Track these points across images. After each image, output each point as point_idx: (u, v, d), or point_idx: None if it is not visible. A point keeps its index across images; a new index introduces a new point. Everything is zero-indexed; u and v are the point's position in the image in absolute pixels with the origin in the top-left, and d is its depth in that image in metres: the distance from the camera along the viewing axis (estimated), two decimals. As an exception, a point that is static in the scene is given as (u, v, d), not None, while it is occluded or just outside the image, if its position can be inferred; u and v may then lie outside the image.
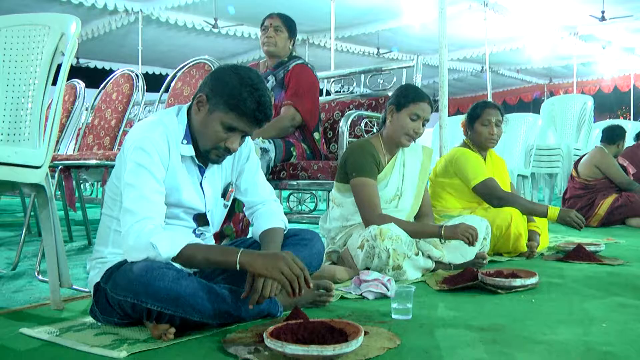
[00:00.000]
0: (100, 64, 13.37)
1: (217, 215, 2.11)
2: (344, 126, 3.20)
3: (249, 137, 2.07)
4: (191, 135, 1.95)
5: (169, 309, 1.71)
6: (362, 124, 3.50)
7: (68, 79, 3.81)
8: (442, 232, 2.62)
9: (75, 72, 3.69)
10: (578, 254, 3.05)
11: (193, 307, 1.74)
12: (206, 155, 1.95)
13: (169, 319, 1.74)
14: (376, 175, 2.77)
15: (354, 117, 3.39)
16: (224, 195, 2.11)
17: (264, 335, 1.60)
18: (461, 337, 1.75)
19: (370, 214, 2.69)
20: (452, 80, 16.74)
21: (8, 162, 2.01)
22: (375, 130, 3.14)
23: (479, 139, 3.40)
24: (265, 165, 3.24)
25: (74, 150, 3.66)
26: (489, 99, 11.47)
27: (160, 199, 1.82)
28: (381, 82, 3.71)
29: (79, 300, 2.32)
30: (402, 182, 2.87)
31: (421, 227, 2.76)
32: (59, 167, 3.00)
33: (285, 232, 2.14)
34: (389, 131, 2.84)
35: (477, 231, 2.60)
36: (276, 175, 3.35)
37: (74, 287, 2.37)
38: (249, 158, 2.15)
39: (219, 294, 1.81)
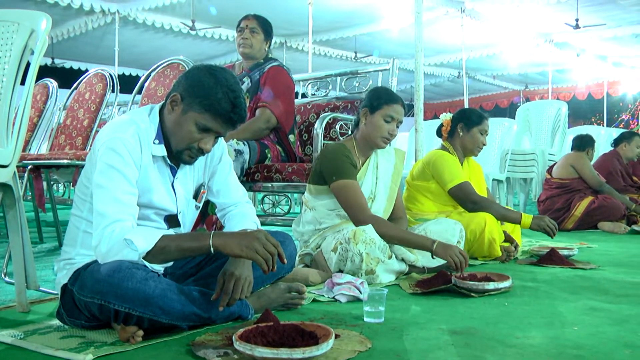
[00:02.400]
0: (76, 65, 13.18)
1: (188, 217, 2.08)
2: (318, 128, 3.18)
3: (222, 138, 2.05)
4: (163, 136, 1.92)
5: (136, 310, 1.67)
6: (337, 127, 3.49)
7: (42, 79, 3.77)
8: (434, 248, 2.57)
9: (50, 72, 3.65)
10: (551, 258, 3.07)
11: (162, 308, 1.71)
12: (179, 155, 1.92)
13: (137, 320, 1.70)
14: (355, 175, 2.76)
15: (329, 119, 3.38)
16: (196, 196, 2.08)
17: (233, 338, 1.57)
18: (433, 341, 1.74)
19: (361, 215, 2.66)
20: (429, 86, 16.84)
21: (-27, 162, 1.96)
22: (350, 133, 3.13)
23: (471, 144, 3.42)
24: (240, 167, 3.21)
25: (47, 150, 3.59)
26: (466, 104, 11.57)
27: (132, 200, 1.79)
28: (357, 85, 3.70)
29: (46, 302, 2.27)
30: (376, 185, 2.87)
31: (411, 236, 2.71)
32: (29, 167, 2.94)
33: (259, 233, 2.11)
34: (364, 133, 2.83)
35: (468, 259, 2.54)
36: (250, 177, 3.32)
37: (41, 289, 2.32)
38: (221, 159, 2.12)
39: (189, 296, 1.79)
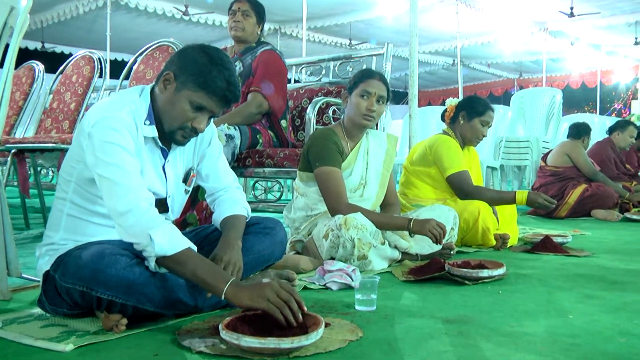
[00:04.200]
0: (67, 49, 13.00)
1: (177, 202, 2.02)
2: (311, 113, 3.13)
3: (212, 122, 2.00)
4: (154, 116, 1.86)
5: (120, 298, 1.62)
6: (330, 112, 3.43)
7: (30, 62, 3.69)
8: (411, 225, 2.56)
9: (40, 56, 3.57)
10: (545, 245, 3.03)
11: (146, 295, 1.65)
12: (171, 136, 1.86)
13: (120, 308, 1.65)
14: (340, 163, 2.71)
15: (322, 104, 3.32)
16: (185, 180, 2.02)
17: (220, 326, 1.52)
18: (426, 329, 1.70)
19: (337, 204, 2.62)
20: (424, 73, 16.78)
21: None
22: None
23: (470, 134, 3.36)
24: (231, 152, 3.15)
25: (33, 134, 3.52)
26: (460, 92, 11.52)
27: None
28: (351, 69, 3.64)
29: (29, 290, 2.21)
30: (367, 170, 2.82)
31: (389, 218, 2.69)
32: (12, 151, 2.87)
33: (248, 220, 2.06)
34: (348, 116, 2.78)
35: (445, 229, 2.54)
36: (241, 162, 3.26)
37: (23, 276, 2.25)
38: (210, 142, 2.06)
39: (175, 283, 1.73)
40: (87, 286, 1.60)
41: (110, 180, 1.66)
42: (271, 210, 3.36)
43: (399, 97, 18.53)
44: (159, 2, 10.22)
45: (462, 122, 3.37)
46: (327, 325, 1.69)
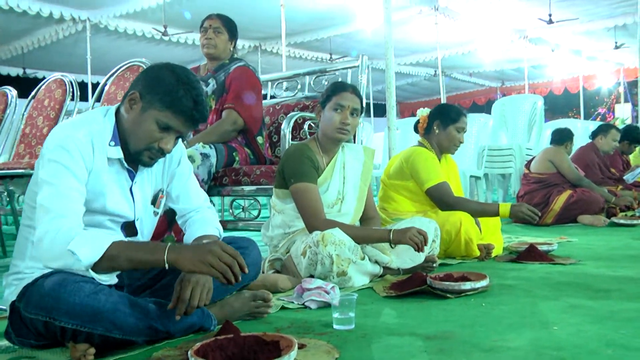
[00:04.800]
0: (48, 74, 12.84)
1: (147, 224, 1.95)
2: (286, 128, 3.08)
3: (181, 142, 1.95)
4: (120, 137, 1.80)
5: (85, 327, 1.55)
6: (306, 126, 3.38)
7: (18, 90, 3.60)
8: (391, 236, 2.51)
9: (22, 82, 3.52)
10: (530, 254, 2.97)
11: (113, 323, 1.59)
12: (137, 157, 1.80)
13: (86, 337, 1.58)
14: (316, 179, 2.66)
15: (297, 119, 3.27)
16: (154, 202, 1.96)
17: (189, 353, 1.46)
18: (405, 347, 1.64)
19: (314, 220, 2.57)
20: (406, 85, 16.84)
21: None
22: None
23: (447, 142, 3.31)
24: (207, 171, 3.09)
25: (8, 160, 3.45)
26: (443, 102, 11.52)
27: (79, 198, 1.66)
28: (326, 83, 3.59)
29: (0, 320, 2.13)
30: (344, 184, 2.76)
31: (368, 231, 2.64)
32: (-18, 178, 2.80)
33: (220, 240, 2.00)
34: (322, 130, 2.74)
35: (427, 235, 2.50)
36: (218, 181, 3.20)
37: (-3, 306, 2.17)
38: (180, 162, 2.01)
39: (144, 308, 1.67)
40: (49, 316, 1.54)
41: (41, 204, 1.61)
42: (252, 228, 3.29)
43: (381, 109, 18.54)
44: (138, 23, 10.17)
45: (437, 131, 3.32)
46: (302, 346, 1.63)
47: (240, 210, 3.46)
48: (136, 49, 11.23)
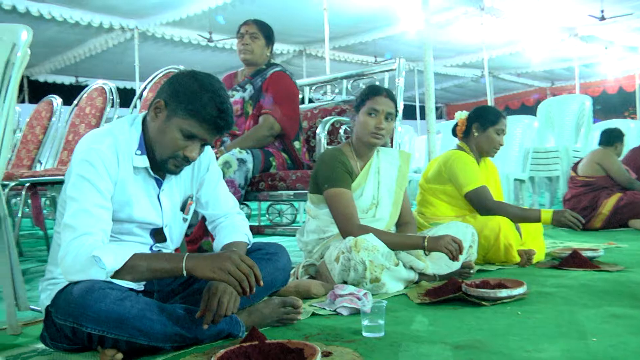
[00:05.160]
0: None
1: (176, 231, 1.97)
2: (321, 133, 3.07)
3: (209, 146, 1.95)
4: (146, 146, 1.82)
5: (111, 333, 1.57)
6: (342, 131, 3.36)
7: (68, 97, 3.71)
8: (425, 243, 2.47)
9: (75, 90, 3.61)
10: (574, 260, 2.88)
11: (139, 329, 1.60)
12: (163, 165, 1.82)
13: (113, 343, 1.60)
14: (349, 184, 2.63)
15: (334, 123, 3.25)
16: (183, 208, 1.98)
17: (212, 359, 1.46)
18: (433, 356, 1.60)
19: (349, 226, 2.54)
20: (453, 87, 16.67)
21: (-49, 182, 1.89)
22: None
23: (487, 145, 3.24)
24: (243, 176, 3.11)
25: (53, 166, 3.54)
26: (491, 104, 11.31)
27: (103, 214, 1.69)
28: (363, 87, 3.57)
29: (39, 323, 2.17)
30: (378, 189, 2.73)
31: (402, 238, 2.59)
32: (26, 185, 2.87)
33: (249, 246, 2.00)
34: (356, 135, 2.72)
35: (462, 244, 2.44)
36: (255, 186, 3.21)
37: (32, 307, 2.22)
38: (209, 169, 2.02)
39: (172, 314, 1.68)
40: (76, 322, 1.56)
41: (66, 222, 1.65)
42: (289, 233, 3.29)
43: (425, 112, 18.38)
44: (184, 30, 10.35)
45: (476, 134, 3.25)
46: (328, 354, 1.62)
47: (277, 215, 3.47)
48: (183, 56, 11.45)
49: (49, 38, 10.16)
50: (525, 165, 5.43)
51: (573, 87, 14.83)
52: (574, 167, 4.97)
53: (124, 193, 1.77)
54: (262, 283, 1.62)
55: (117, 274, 1.59)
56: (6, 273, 2.10)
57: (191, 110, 1.73)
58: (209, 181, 2.02)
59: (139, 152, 1.80)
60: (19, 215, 2.95)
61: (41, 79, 13.00)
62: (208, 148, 1.98)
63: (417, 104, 14.30)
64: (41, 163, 3.65)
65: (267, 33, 3.45)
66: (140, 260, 1.61)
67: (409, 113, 15.12)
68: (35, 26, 9.65)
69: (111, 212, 1.72)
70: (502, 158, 5.51)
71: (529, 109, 17.49)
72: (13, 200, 3.82)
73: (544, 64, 14.70)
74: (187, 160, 1.80)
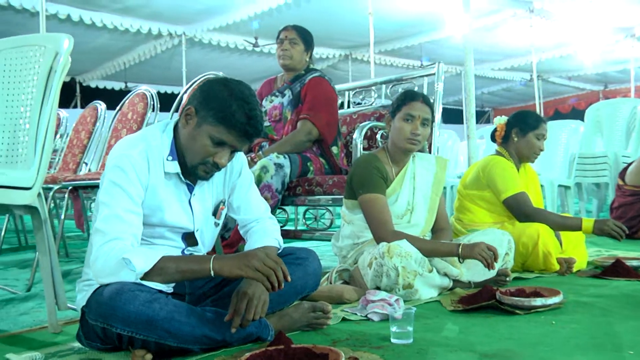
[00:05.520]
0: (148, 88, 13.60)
1: (207, 235, 2.00)
2: (357, 138, 3.07)
3: (241, 152, 1.98)
4: (177, 152, 1.86)
5: (140, 334, 1.61)
6: (378, 136, 3.35)
7: (116, 102, 3.82)
8: (460, 251, 2.43)
9: (124, 96, 3.73)
10: (616, 269, 2.78)
11: (168, 331, 1.63)
12: (193, 170, 1.85)
13: (143, 344, 1.64)
14: (384, 189, 2.62)
15: (371, 128, 3.24)
16: (215, 213, 2.01)
17: (237, 363, 1.48)
18: (459, 365, 1.59)
19: (382, 231, 2.53)
20: (501, 91, 16.43)
21: (-5, 185, 1.97)
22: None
23: (527, 150, 3.19)
24: (280, 181, 3.13)
25: (97, 170, 3.65)
26: (540, 108, 11.09)
27: (134, 219, 1.73)
28: (402, 91, 3.55)
29: (78, 323, 2.25)
30: (414, 195, 2.71)
31: (436, 245, 2.56)
32: (69, 188, 2.97)
33: (280, 251, 2.02)
34: (391, 140, 2.70)
35: (497, 252, 2.40)
36: (292, 191, 3.23)
37: (71, 307, 2.29)
38: (241, 174, 2.04)
39: (201, 317, 1.71)
40: (106, 323, 1.61)
41: (97, 227, 1.70)
42: (326, 238, 3.30)
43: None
44: (230, 36, 10.52)
45: (516, 139, 3.20)
46: (354, 359, 1.62)
47: (313, 220, 3.48)
48: (229, 61, 11.63)
49: (100, 45, 10.47)
50: (571, 171, 5.30)
51: (628, 90, 14.34)
52: (622, 175, 4.77)
53: (155, 198, 1.81)
54: (289, 278, 1.64)
55: (147, 276, 1.63)
56: (47, 274, 2.18)
57: (221, 117, 1.75)
58: (241, 186, 2.04)
59: (170, 157, 1.83)
60: (62, 217, 3.06)
61: (92, 84, 13.41)
62: (240, 153, 2.01)
63: (464, 108, 14.14)
64: (86, 164, 3.77)
65: (306, 38, 3.48)
66: (169, 262, 1.65)
67: (455, 117, 14.97)
68: (87, 34, 10.02)
69: (141, 217, 1.76)
70: (546, 164, 5.38)
71: (580, 113, 17.04)
72: (59, 203, 3.95)
73: (596, 67, 14.31)
74: (217, 167, 1.82)
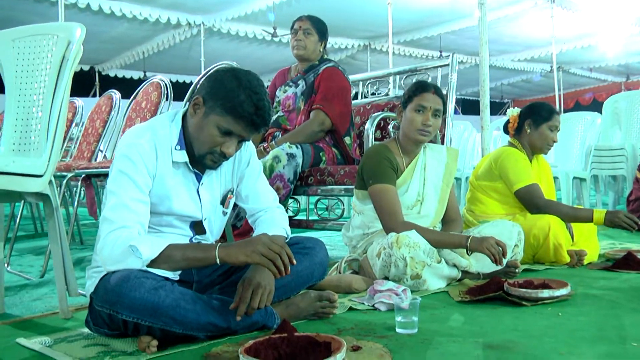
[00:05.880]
0: (166, 77, 13.64)
1: (216, 224, 2.02)
2: (369, 129, 3.06)
3: (249, 141, 1.99)
4: (186, 141, 1.88)
5: (145, 320, 1.63)
6: (390, 127, 3.34)
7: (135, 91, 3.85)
8: (468, 243, 2.42)
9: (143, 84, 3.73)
10: (627, 262, 2.76)
11: (173, 318, 1.65)
12: (201, 160, 1.86)
13: (148, 330, 1.66)
14: (394, 180, 2.62)
15: (382, 119, 3.23)
16: (223, 202, 2.02)
17: (239, 350, 1.49)
18: (461, 355, 1.59)
19: (392, 222, 2.53)
20: (520, 82, 16.28)
21: (7, 172, 2.00)
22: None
23: (540, 142, 3.17)
24: (292, 171, 3.14)
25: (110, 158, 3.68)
26: (560, 99, 10.96)
27: (141, 208, 1.75)
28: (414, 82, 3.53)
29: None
30: (424, 186, 2.70)
31: (445, 236, 2.55)
32: (82, 176, 3.01)
33: (287, 240, 2.03)
34: (402, 131, 2.70)
35: (505, 247, 2.38)
36: (304, 181, 3.24)
37: (81, 292, 2.33)
38: (249, 163, 2.05)
39: (207, 305, 1.73)
40: (112, 309, 1.63)
41: (104, 215, 1.72)
42: (338, 228, 3.31)
43: (493, 107, 18.00)
44: (249, 25, 10.52)
45: (528, 131, 3.17)
46: (357, 348, 1.63)
47: (325, 209, 3.49)
48: (247, 51, 11.64)
49: (119, 34, 10.54)
50: (587, 163, 5.24)
51: (651, 82, 14.17)
52: (639, 167, 4.73)
53: (163, 187, 1.83)
54: (295, 261, 1.65)
55: (153, 263, 1.65)
56: (58, 260, 2.22)
57: (228, 107, 1.76)
58: (249, 176, 2.05)
59: (178, 147, 1.85)
60: (75, 205, 3.10)
61: (112, 73, 13.52)
62: (249, 143, 2.02)
63: (480, 99, 14.02)
64: (102, 151, 3.81)
65: (320, 29, 3.47)
66: (175, 250, 1.67)
67: (475, 108, 14.85)
68: (106, 23, 10.06)
69: (149, 206, 1.78)
70: (562, 156, 5.33)
71: (601, 105, 16.80)
72: (75, 190, 4.00)
73: (618, 58, 14.12)
74: (224, 156, 1.83)
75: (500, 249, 2.34)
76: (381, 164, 2.61)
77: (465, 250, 2.50)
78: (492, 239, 2.36)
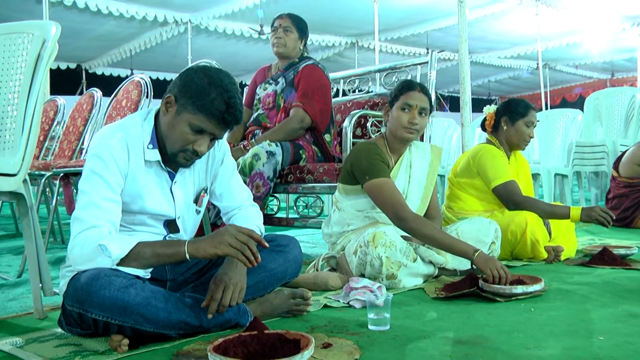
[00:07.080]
0: (154, 75, 13.62)
1: (189, 222, 2.02)
2: (347, 127, 3.07)
3: (223, 139, 1.99)
4: (158, 139, 1.88)
5: (115, 319, 1.63)
6: (369, 124, 3.35)
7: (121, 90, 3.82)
8: (475, 257, 2.30)
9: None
10: (603, 257, 2.79)
11: (144, 316, 1.65)
12: (174, 158, 1.86)
13: (119, 329, 1.66)
14: (389, 173, 2.62)
15: (363, 116, 3.24)
16: (196, 200, 2.03)
17: (207, 348, 1.50)
18: (430, 351, 1.60)
19: (401, 212, 2.46)
20: (507, 79, 16.37)
21: (-22, 171, 1.99)
22: (383, 130, 2.97)
23: (517, 138, 3.18)
24: (272, 169, 3.14)
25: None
26: (547, 96, 11.02)
27: (112, 207, 1.75)
28: (396, 80, 3.55)
29: (61, 309, 2.28)
30: (409, 183, 2.71)
31: (454, 242, 2.42)
32: (60, 175, 3.00)
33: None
34: (389, 130, 2.71)
35: (510, 275, 2.25)
36: (283, 178, 3.25)
37: (56, 292, 2.32)
38: (223, 161, 2.05)
39: (178, 303, 1.73)
40: (82, 308, 1.63)
41: (75, 215, 1.72)
42: (317, 226, 3.31)
43: (479, 103, 18.07)
44: (236, 23, 10.50)
45: (505, 127, 3.19)
46: (328, 345, 1.64)
47: (304, 207, 3.49)
48: (235, 49, 11.62)
49: (106, 32, 10.48)
50: (568, 160, 5.27)
51: (635, 79, 14.23)
52: (615, 166, 4.70)
53: (135, 186, 1.83)
54: (266, 244, 1.68)
55: (123, 262, 1.65)
56: (33, 259, 2.21)
57: (200, 105, 1.76)
58: (223, 174, 2.06)
59: (150, 146, 1.85)
60: (53, 204, 3.09)
61: (98, 71, 13.44)
62: (222, 141, 2.02)
63: (460, 96, 14.07)
64: (84, 149, 3.79)
65: (300, 27, 3.47)
66: (145, 247, 1.67)
67: (458, 105, 14.91)
68: (93, 20, 9.99)
69: (120, 205, 1.78)
70: (544, 152, 5.36)
71: (588, 102, 16.92)
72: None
73: (603, 55, 14.22)
74: (197, 154, 1.83)
75: (505, 275, 2.21)
76: (374, 159, 2.59)
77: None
78: (498, 263, 2.26)
